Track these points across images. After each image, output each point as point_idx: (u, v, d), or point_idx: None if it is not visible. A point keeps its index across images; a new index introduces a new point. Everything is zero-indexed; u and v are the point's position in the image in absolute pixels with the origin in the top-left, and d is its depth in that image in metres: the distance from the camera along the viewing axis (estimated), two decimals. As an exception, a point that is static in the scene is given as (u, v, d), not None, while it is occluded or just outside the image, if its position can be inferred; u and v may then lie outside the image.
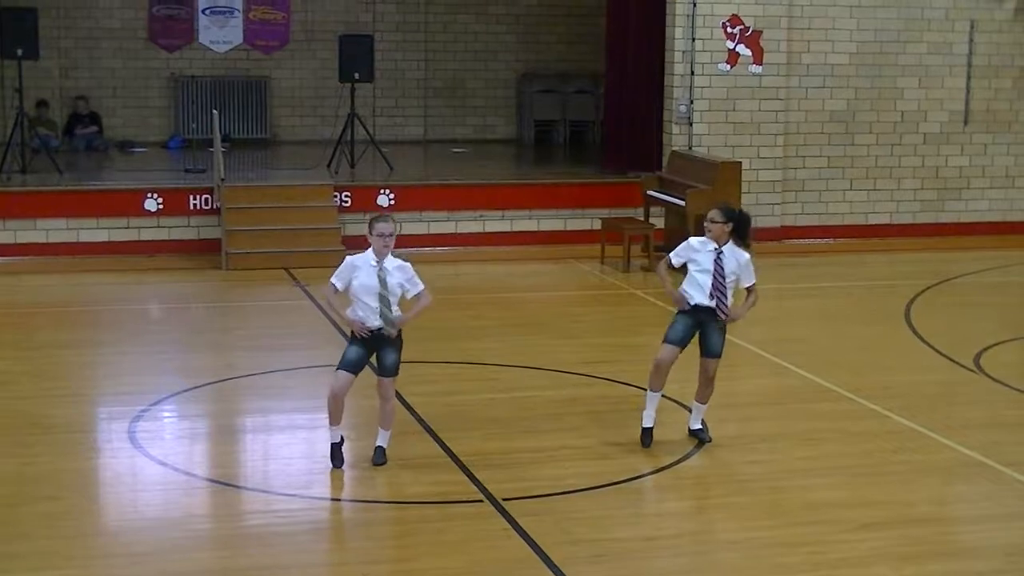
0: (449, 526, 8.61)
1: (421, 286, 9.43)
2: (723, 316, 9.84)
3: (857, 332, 14.08)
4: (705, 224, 9.96)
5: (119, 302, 15.34)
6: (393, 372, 9.37)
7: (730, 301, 9.89)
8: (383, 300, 9.20)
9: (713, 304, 9.79)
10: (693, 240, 10.02)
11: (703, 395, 10.12)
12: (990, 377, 12.28)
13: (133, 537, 8.52)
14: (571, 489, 9.25)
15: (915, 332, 14.01)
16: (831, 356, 12.97)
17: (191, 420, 11.11)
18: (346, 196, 17.84)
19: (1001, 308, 15.59)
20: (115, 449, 10.14)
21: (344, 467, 9.51)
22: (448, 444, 10.05)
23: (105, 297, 15.57)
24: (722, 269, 9.78)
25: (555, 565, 7.98)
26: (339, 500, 9.33)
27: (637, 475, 9.57)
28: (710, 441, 10.13)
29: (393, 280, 9.25)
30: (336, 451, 9.50)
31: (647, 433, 10.04)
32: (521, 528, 8.53)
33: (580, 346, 13.32)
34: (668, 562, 8.23)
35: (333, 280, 9.33)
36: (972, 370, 12.54)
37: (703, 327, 9.90)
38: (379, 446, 9.57)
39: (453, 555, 8.17)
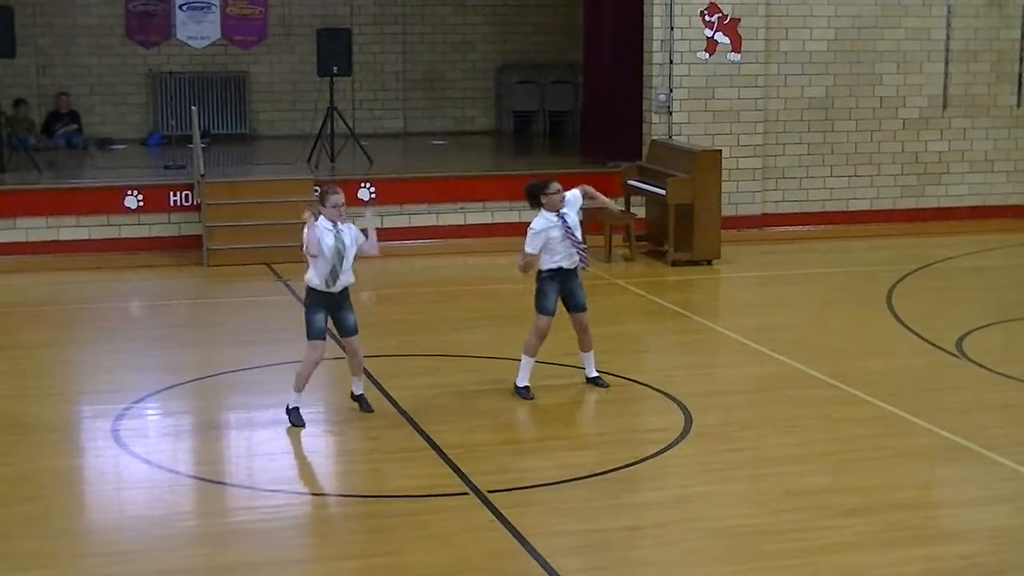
0: (434, 519, 8.62)
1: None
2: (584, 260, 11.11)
3: (839, 318, 14.11)
4: (546, 200, 10.91)
5: (100, 300, 15.30)
6: (357, 329, 10.43)
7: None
8: (342, 258, 10.20)
9: (577, 259, 10.97)
10: (536, 224, 10.90)
11: (587, 344, 11.27)
12: (972, 361, 12.31)
13: (117, 535, 8.52)
14: (555, 480, 9.25)
15: (897, 317, 14.04)
16: (813, 343, 12.99)
17: (174, 417, 11.09)
18: (326, 190, 17.78)
19: (982, 292, 15.63)
20: (98, 447, 10.13)
21: (328, 461, 9.51)
22: (432, 436, 10.05)
23: (86, 295, 15.52)
24: (572, 226, 10.88)
25: (541, 556, 7.99)
26: (324, 495, 9.34)
27: (621, 465, 9.58)
28: (607, 387, 11.09)
29: (348, 238, 10.29)
30: (299, 413, 10.34)
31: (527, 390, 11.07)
32: (506, 520, 8.53)
33: (562, 337, 13.26)
34: (652, 552, 8.25)
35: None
36: (954, 355, 12.57)
37: (565, 286, 11.06)
38: (363, 394, 10.67)
39: (439, 548, 8.17)
